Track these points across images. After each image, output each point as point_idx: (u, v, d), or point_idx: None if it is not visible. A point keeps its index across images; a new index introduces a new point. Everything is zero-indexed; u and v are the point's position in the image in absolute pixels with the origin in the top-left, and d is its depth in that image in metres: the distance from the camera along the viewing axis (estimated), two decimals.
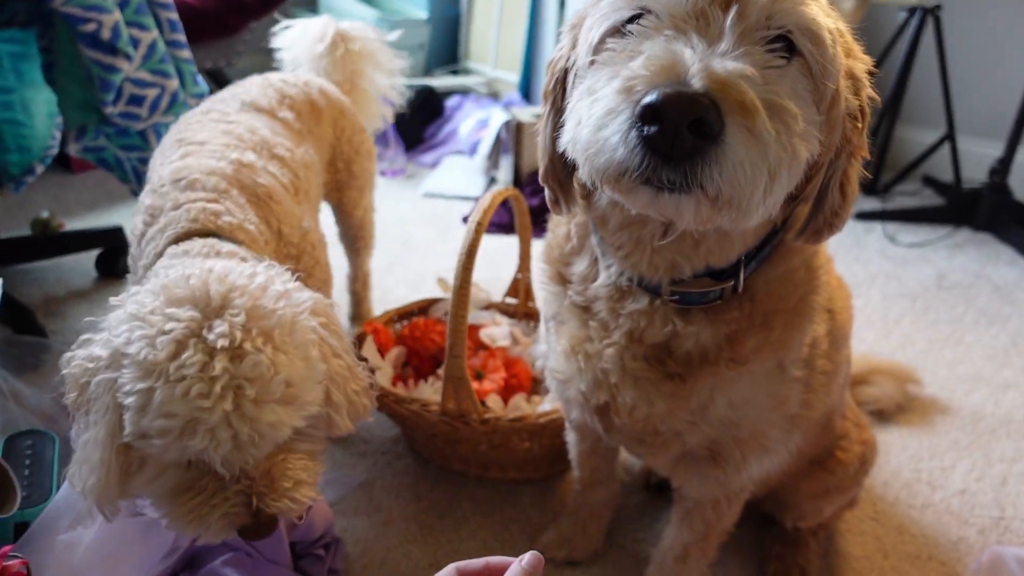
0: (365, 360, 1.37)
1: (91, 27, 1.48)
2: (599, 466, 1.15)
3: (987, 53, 2.78)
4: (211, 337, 0.75)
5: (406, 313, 1.56)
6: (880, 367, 1.59)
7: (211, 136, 1.17)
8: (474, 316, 1.50)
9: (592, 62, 0.65)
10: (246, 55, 3.18)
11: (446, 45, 3.86)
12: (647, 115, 0.53)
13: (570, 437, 1.15)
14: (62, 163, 2.66)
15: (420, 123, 2.97)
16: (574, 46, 0.71)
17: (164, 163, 1.12)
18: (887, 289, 2.14)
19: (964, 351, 1.85)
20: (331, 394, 0.87)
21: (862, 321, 1.96)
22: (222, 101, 1.31)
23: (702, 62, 0.54)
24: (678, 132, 0.52)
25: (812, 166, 0.67)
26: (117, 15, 1.51)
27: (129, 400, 0.74)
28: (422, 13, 3.64)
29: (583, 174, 0.62)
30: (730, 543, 1.24)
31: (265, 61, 3.92)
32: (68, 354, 0.82)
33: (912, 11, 2.51)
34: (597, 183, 0.61)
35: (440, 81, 3.37)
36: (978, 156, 2.77)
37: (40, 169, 1.86)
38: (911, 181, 2.88)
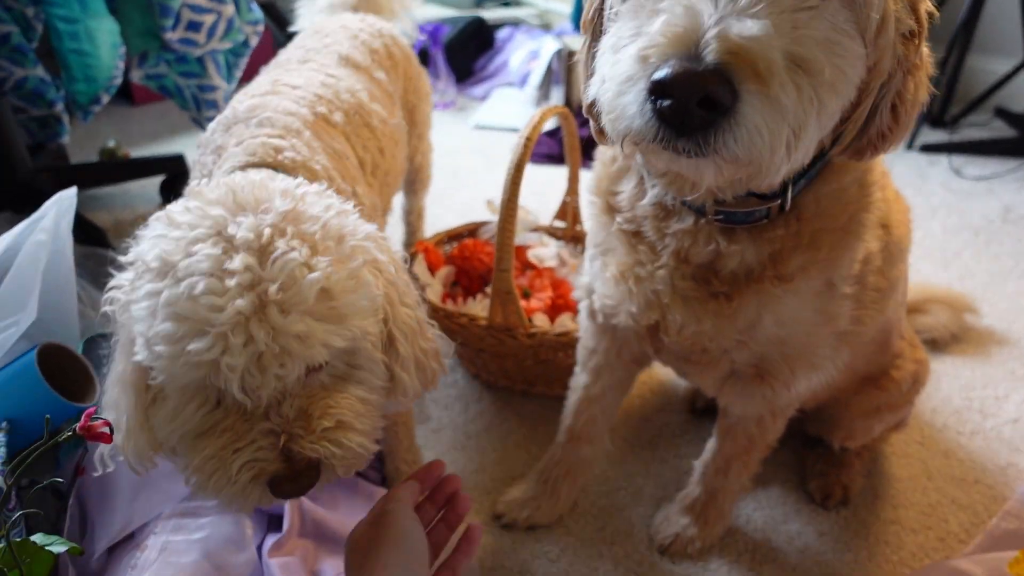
0: (417, 278, 1.41)
1: None
2: (595, 417, 1.11)
3: None
4: (233, 231, 0.65)
5: (456, 235, 1.59)
6: (936, 295, 1.55)
7: (307, 83, 1.09)
8: (522, 238, 1.52)
9: (618, 10, 0.63)
10: None
11: None
12: (658, 90, 0.53)
13: (578, 379, 1.11)
14: (125, 95, 2.75)
15: (471, 55, 2.95)
16: None
17: (244, 99, 1.04)
18: (948, 222, 2.07)
19: None
20: (397, 343, 0.78)
21: (920, 254, 1.91)
22: (317, 52, 1.23)
23: (719, 26, 0.52)
24: (687, 108, 0.52)
25: (861, 90, 0.65)
26: None
27: (138, 309, 0.65)
28: None
29: (608, 131, 0.61)
30: (771, 460, 1.26)
31: None
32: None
33: None
34: (620, 144, 0.61)
35: (491, 12, 3.32)
36: None
37: (106, 99, 1.92)
38: (982, 112, 2.75)
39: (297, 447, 0.67)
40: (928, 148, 2.48)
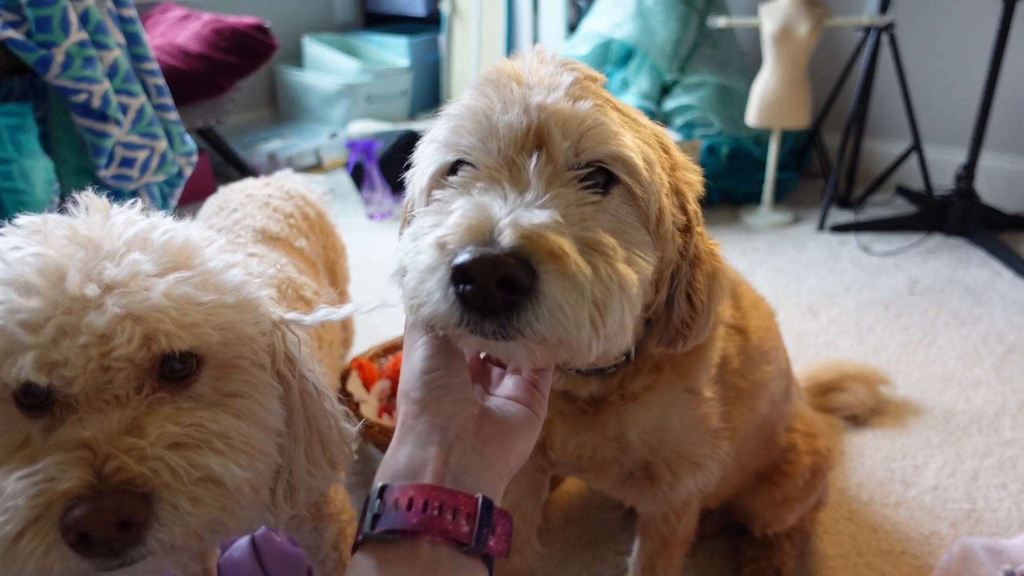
0: (351, 395, 1.43)
1: (82, 97, 1.58)
2: (517, 528, 1.12)
3: (943, 64, 2.89)
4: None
5: (391, 348, 1.63)
6: (850, 372, 1.64)
7: None
8: None
9: (420, 213, 0.66)
10: (236, 112, 3.31)
11: (428, 90, 4.00)
12: (458, 276, 0.54)
13: None
14: None
15: (405, 167, 3.07)
16: (409, 204, 0.75)
17: None
18: (861, 297, 2.21)
19: (936, 352, 1.91)
20: (290, 393, 0.68)
21: (837, 330, 2.02)
22: (228, 231, 1.17)
23: (510, 216, 0.56)
24: (488, 291, 0.53)
25: (656, 280, 0.69)
26: (106, 84, 1.61)
27: None
28: (404, 61, 3.78)
29: (413, 318, 0.61)
30: (707, 549, 1.30)
31: (253, 117, 4.05)
32: None
33: (867, 30, 2.62)
34: (428, 329, 0.62)
35: (423, 125, 3.48)
36: (945, 163, 2.86)
37: None
38: (883, 192, 2.97)
39: (116, 464, 0.51)
40: (837, 228, 2.66)
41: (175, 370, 0.58)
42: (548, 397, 0.69)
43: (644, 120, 0.72)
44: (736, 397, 0.94)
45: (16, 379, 0.52)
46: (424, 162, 0.68)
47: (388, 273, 0.63)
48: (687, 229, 0.71)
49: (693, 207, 0.72)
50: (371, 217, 2.84)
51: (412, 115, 3.90)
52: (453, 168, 0.65)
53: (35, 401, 0.55)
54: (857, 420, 1.65)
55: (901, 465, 1.52)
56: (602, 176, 0.63)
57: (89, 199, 0.63)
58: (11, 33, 1.49)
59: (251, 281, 0.66)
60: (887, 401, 1.71)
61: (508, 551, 0.57)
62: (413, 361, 0.63)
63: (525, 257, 0.53)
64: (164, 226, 0.62)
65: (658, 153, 0.69)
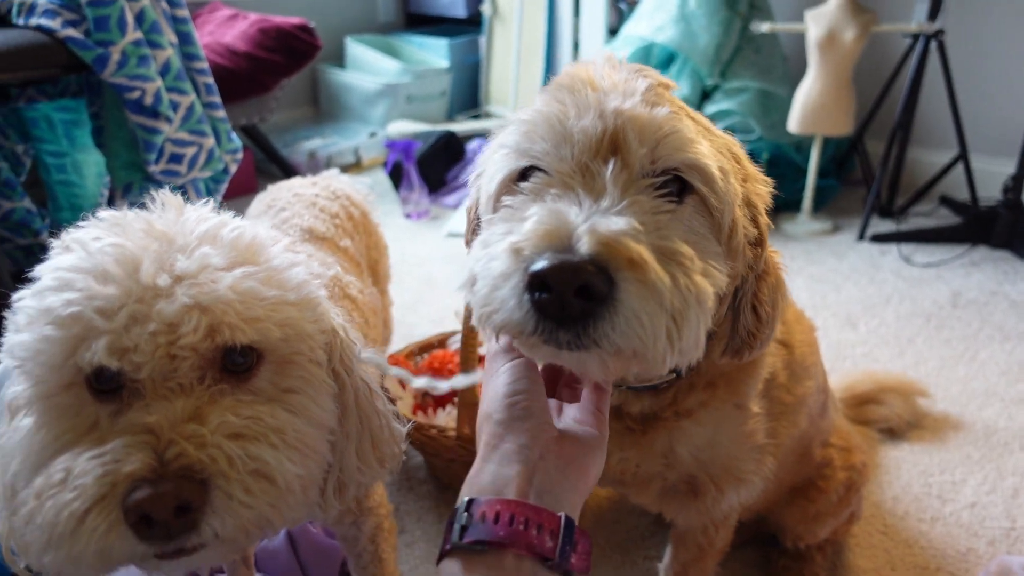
0: (388, 392, 1.46)
1: (136, 94, 1.63)
2: None
3: (992, 72, 2.82)
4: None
5: (426, 346, 1.66)
6: (887, 384, 1.62)
7: None
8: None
9: (490, 219, 0.66)
10: (278, 111, 3.37)
11: (467, 91, 4.03)
12: (535, 283, 0.53)
13: None
14: None
15: (443, 167, 3.10)
16: (474, 207, 0.74)
17: None
18: (901, 309, 2.17)
19: (978, 367, 1.87)
20: (345, 391, 0.70)
21: (876, 341, 1.99)
22: (278, 230, 1.14)
23: (588, 223, 0.54)
24: (565, 299, 0.52)
25: (718, 295, 0.69)
26: (159, 82, 1.66)
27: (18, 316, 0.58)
28: (443, 62, 3.81)
29: (483, 326, 0.60)
30: (739, 559, 1.29)
31: (295, 116, 4.12)
32: None
33: (915, 37, 2.58)
34: (498, 337, 0.62)
35: (461, 126, 3.51)
36: (992, 174, 2.79)
37: None
38: (927, 202, 2.91)
39: (177, 450, 0.53)
40: (878, 238, 2.62)
41: (237, 364, 0.60)
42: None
43: (716, 130, 0.71)
44: (781, 412, 0.93)
45: (89, 363, 0.55)
46: (493, 167, 0.67)
47: (457, 284, 0.63)
48: (758, 242, 0.70)
49: (764, 220, 0.70)
50: (408, 216, 2.87)
51: (451, 116, 3.93)
52: (523, 174, 0.64)
53: (106, 386, 0.57)
54: (894, 433, 1.62)
55: (939, 480, 1.50)
56: (676, 184, 0.62)
57: (165, 196, 0.66)
58: (71, 32, 1.55)
59: (312, 281, 0.68)
60: (925, 415, 1.68)
61: (589, 568, 0.59)
62: (497, 385, 0.65)
63: (603, 264, 0.52)
64: (233, 224, 0.65)
65: (731, 163, 0.68)
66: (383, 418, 0.74)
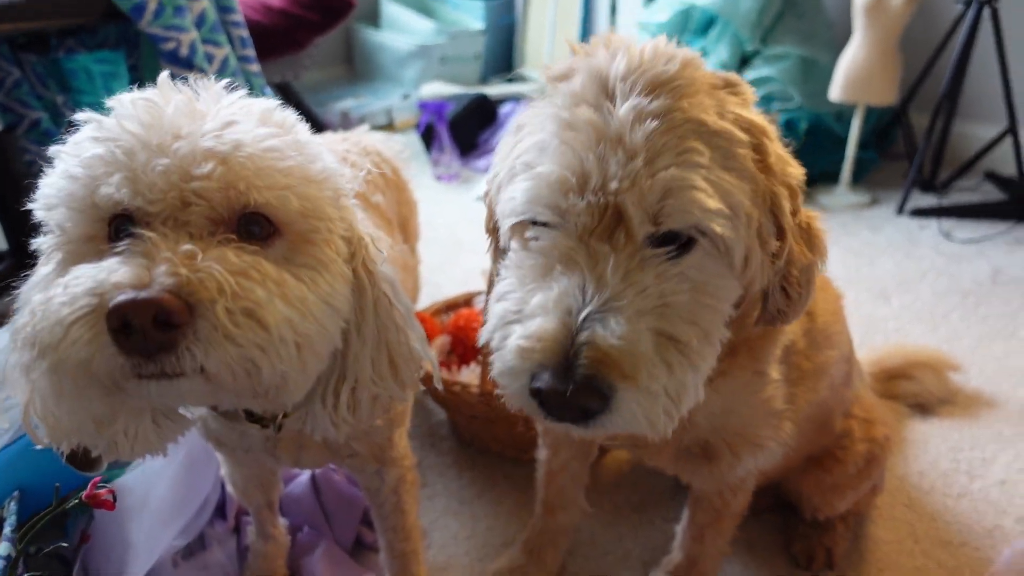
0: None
1: (171, 45, 1.64)
2: (565, 487, 1.15)
3: None
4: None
5: (452, 305, 1.66)
6: (919, 359, 1.59)
7: None
8: None
9: (506, 266, 0.71)
10: (312, 69, 3.37)
11: (501, 54, 3.98)
12: (536, 394, 0.61)
13: (541, 453, 1.14)
14: None
15: (474, 129, 3.08)
16: (492, 209, 0.78)
17: None
18: (938, 285, 2.12)
19: (1017, 345, 1.82)
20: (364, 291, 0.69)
21: (909, 317, 1.95)
22: None
23: (586, 332, 0.59)
24: (564, 409, 0.60)
25: (740, 299, 0.71)
26: (194, 33, 1.67)
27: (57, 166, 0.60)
28: (478, 24, 3.77)
29: (502, 391, 0.67)
30: (758, 523, 1.29)
31: (329, 75, 4.11)
32: None
33: (967, 4, 2.47)
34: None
35: (494, 89, 3.48)
36: None
37: None
38: (971, 177, 2.82)
39: (168, 269, 0.53)
40: (918, 212, 2.55)
41: (253, 233, 0.60)
42: None
43: (735, 108, 0.67)
44: (800, 378, 0.92)
45: (108, 198, 0.57)
46: (504, 209, 0.69)
47: (484, 333, 0.70)
48: (782, 236, 0.70)
49: (788, 220, 0.69)
50: (439, 179, 2.86)
51: (484, 79, 3.89)
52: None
53: (123, 237, 0.58)
54: (924, 409, 1.59)
55: (968, 456, 1.47)
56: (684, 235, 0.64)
57: (206, 83, 0.68)
58: None
59: (339, 172, 0.68)
60: (958, 391, 1.64)
61: None
62: None
63: (599, 385, 0.58)
64: (263, 103, 0.66)
65: (746, 159, 0.66)
66: (403, 334, 0.73)
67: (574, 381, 0.58)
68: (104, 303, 0.52)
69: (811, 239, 0.74)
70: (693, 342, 0.62)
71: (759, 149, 0.68)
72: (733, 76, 0.71)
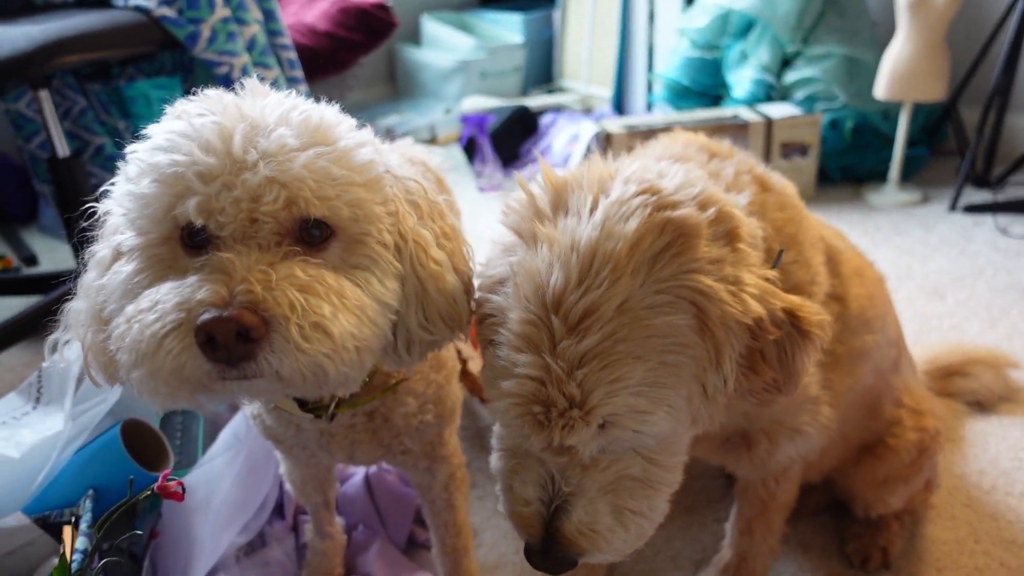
0: (459, 352, 1.50)
1: (224, 69, 1.72)
2: None
3: None
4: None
5: None
6: (975, 356, 1.55)
7: None
8: None
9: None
10: (356, 89, 3.46)
11: (541, 66, 4.02)
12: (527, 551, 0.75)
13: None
14: None
15: (516, 140, 3.12)
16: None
17: None
18: (995, 281, 2.06)
19: None
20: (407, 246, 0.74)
21: (965, 314, 1.90)
22: None
23: (555, 523, 0.72)
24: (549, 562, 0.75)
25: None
26: (246, 57, 1.74)
27: (127, 173, 0.67)
28: (518, 38, 3.82)
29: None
30: (811, 524, 1.28)
31: (373, 94, 4.21)
32: None
33: None
34: None
35: (535, 100, 3.52)
36: None
37: None
38: None
39: (246, 287, 0.60)
40: (972, 208, 2.49)
41: (312, 236, 0.67)
42: None
43: (679, 285, 0.66)
44: (835, 363, 0.92)
45: (184, 216, 0.64)
46: (496, 404, 0.72)
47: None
48: (751, 357, 0.71)
49: (767, 328, 0.68)
50: (481, 190, 2.91)
51: (525, 91, 3.94)
52: None
53: (196, 242, 0.66)
54: (982, 406, 1.55)
55: None
56: None
57: (251, 83, 0.74)
58: (165, 11, 1.64)
59: (378, 159, 0.73)
60: (1018, 388, 1.60)
61: None
62: None
63: (571, 557, 0.74)
64: (302, 106, 0.71)
65: (692, 339, 0.66)
66: (439, 281, 0.77)
67: (550, 565, 0.75)
68: (191, 318, 0.60)
69: (796, 328, 0.71)
70: (648, 493, 0.74)
71: (702, 315, 0.66)
72: (725, 220, 0.71)
